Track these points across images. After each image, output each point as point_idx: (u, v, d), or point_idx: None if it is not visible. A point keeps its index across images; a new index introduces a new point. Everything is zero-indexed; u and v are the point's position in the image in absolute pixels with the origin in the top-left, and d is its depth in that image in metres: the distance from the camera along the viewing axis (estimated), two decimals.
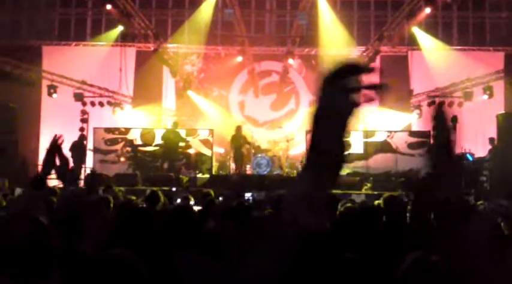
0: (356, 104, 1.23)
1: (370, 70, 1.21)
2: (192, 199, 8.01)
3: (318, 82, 1.25)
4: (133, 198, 7.74)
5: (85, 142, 17.63)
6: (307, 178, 1.30)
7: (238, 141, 16.84)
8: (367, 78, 1.23)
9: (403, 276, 2.15)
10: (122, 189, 10.29)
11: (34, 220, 2.50)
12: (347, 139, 1.27)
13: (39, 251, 2.39)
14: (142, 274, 2.38)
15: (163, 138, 17.26)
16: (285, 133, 18.99)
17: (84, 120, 19.33)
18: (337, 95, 1.22)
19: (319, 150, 1.27)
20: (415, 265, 2.16)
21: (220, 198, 9.90)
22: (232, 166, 17.70)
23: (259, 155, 17.31)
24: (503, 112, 16.98)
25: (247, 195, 12.47)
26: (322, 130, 1.26)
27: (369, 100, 1.24)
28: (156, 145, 17.52)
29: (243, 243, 3.18)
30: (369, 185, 15.24)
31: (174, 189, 13.45)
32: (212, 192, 9.20)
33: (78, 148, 16.94)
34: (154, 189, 9.15)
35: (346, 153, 1.27)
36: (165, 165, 17.17)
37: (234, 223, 3.86)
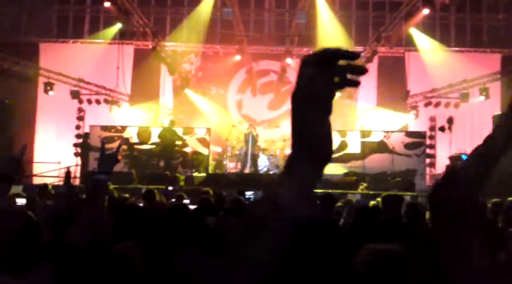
0: (336, 86, 1.22)
1: (353, 56, 1.21)
2: (187, 197, 8.01)
3: (299, 64, 1.24)
4: (127, 196, 7.73)
5: (89, 140, 17.69)
6: (293, 170, 1.29)
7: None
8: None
9: (359, 267, 2.14)
10: (112, 187, 10.30)
11: (23, 214, 2.51)
12: (331, 129, 1.25)
13: (28, 245, 2.40)
14: (135, 271, 2.39)
15: (159, 136, 17.28)
16: (282, 133, 18.98)
17: (80, 118, 19.34)
18: (318, 76, 1.21)
19: (302, 137, 1.26)
20: (372, 256, 2.15)
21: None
22: (230, 165, 17.70)
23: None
24: (499, 113, 16.99)
25: (249, 194, 12.47)
26: (303, 113, 1.25)
27: (351, 83, 1.22)
28: (152, 144, 17.51)
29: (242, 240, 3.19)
30: (364, 185, 15.25)
31: (170, 188, 13.43)
32: (211, 191, 9.20)
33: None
34: (150, 187, 9.16)
35: (331, 142, 1.26)
36: (162, 164, 17.17)
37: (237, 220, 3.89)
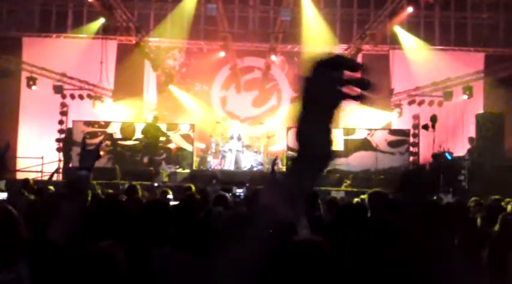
0: (344, 97, 1.22)
1: (361, 69, 1.20)
2: (171, 193, 7.97)
3: (311, 63, 1.23)
4: (110, 191, 7.68)
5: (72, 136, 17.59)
6: (293, 170, 1.29)
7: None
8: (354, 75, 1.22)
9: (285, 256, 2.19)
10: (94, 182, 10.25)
11: (2, 209, 2.47)
12: (332, 132, 1.25)
13: (6, 240, 2.36)
14: (119, 269, 2.36)
15: (143, 132, 17.19)
16: (266, 130, 18.98)
17: (63, 113, 19.18)
18: (327, 83, 1.20)
19: (305, 141, 1.26)
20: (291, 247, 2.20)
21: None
22: (214, 162, 17.65)
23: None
24: (482, 112, 17.16)
25: (239, 191, 12.47)
26: (309, 117, 1.24)
27: (358, 97, 1.22)
28: (136, 140, 17.41)
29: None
30: (348, 182, 15.32)
31: (156, 185, 13.37)
32: (193, 187, 9.18)
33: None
34: (134, 183, 9.12)
35: (332, 148, 1.26)
36: (145, 160, 17.09)
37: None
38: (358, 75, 1.23)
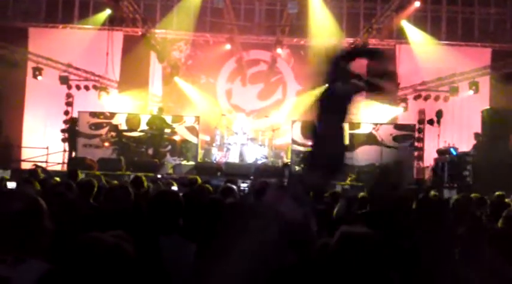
0: (361, 89, 1.23)
1: (379, 55, 1.20)
2: (176, 185, 7.99)
3: (330, 58, 1.24)
4: (115, 182, 7.70)
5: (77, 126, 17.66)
6: (308, 173, 1.31)
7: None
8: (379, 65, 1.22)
9: (332, 249, 2.22)
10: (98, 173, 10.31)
11: (30, 198, 2.50)
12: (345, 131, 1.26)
13: (29, 229, 2.38)
14: (128, 258, 2.37)
15: (148, 123, 17.20)
16: (271, 123, 18.96)
17: (69, 104, 19.22)
18: (344, 78, 1.21)
19: (321, 144, 1.27)
20: (342, 239, 2.23)
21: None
22: (219, 154, 17.65)
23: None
24: (488, 107, 17.09)
25: (243, 185, 12.49)
26: (327, 118, 1.26)
27: (377, 89, 1.23)
28: (141, 131, 17.43)
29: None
30: (353, 176, 15.30)
31: (159, 176, 13.39)
32: (199, 179, 9.20)
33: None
34: (139, 174, 9.14)
35: (344, 154, 1.27)
36: (150, 151, 17.11)
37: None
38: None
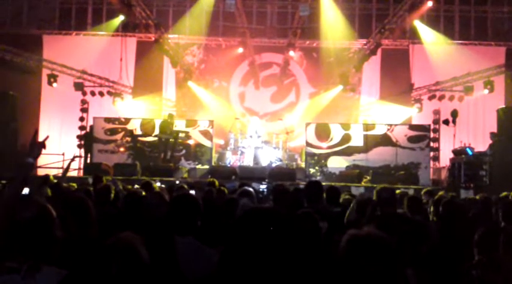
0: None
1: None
2: (189, 189, 8.02)
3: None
4: (129, 187, 7.76)
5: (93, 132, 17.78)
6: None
7: None
8: None
9: (341, 251, 2.23)
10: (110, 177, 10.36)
11: (41, 206, 2.51)
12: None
13: (41, 237, 2.40)
14: (140, 259, 2.38)
15: (159, 129, 17.25)
16: (284, 126, 18.96)
17: (84, 110, 19.36)
18: None
19: None
20: (351, 241, 2.23)
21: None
22: (233, 158, 17.65)
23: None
24: (503, 106, 16.95)
25: (262, 187, 12.51)
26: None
27: None
28: (155, 136, 17.48)
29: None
30: (368, 178, 15.24)
31: (177, 182, 13.39)
32: (217, 182, 9.19)
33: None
34: (154, 178, 9.21)
35: None
36: (164, 156, 17.13)
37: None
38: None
